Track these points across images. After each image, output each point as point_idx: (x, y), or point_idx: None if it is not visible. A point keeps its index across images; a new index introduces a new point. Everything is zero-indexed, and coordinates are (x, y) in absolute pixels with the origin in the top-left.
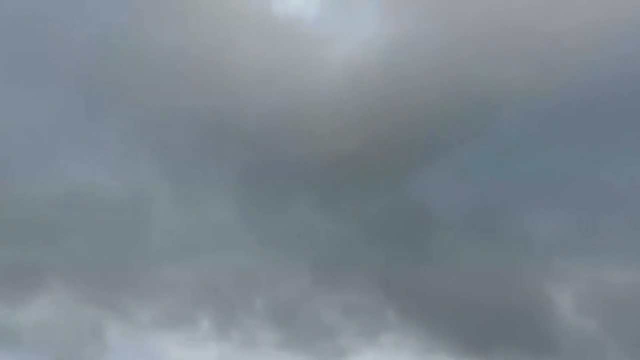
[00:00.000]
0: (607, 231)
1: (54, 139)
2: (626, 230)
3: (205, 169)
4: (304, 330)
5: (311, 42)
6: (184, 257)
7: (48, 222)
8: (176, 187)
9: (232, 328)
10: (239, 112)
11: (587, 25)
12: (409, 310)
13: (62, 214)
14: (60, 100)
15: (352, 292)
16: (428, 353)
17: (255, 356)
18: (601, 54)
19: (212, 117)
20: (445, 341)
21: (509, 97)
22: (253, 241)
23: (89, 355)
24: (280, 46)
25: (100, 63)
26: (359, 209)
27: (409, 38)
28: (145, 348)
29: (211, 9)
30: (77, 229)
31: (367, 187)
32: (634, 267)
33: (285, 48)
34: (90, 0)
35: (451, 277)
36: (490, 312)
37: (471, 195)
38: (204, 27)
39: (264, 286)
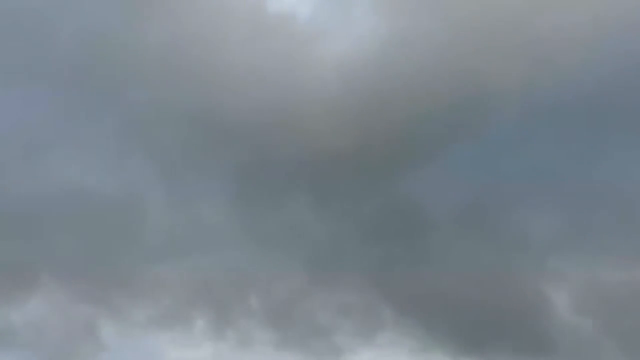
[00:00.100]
0: (603, 230)
1: (47, 137)
2: (621, 229)
3: (200, 167)
4: (299, 330)
5: (304, 39)
6: (179, 257)
7: (42, 221)
8: (170, 186)
9: (228, 327)
10: (232, 110)
11: (582, 24)
12: (406, 309)
13: (55, 213)
14: (53, 99)
15: (348, 292)
16: (424, 352)
17: (251, 356)
18: (596, 52)
19: (205, 116)
20: (442, 340)
21: (504, 95)
22: (248, 240)
23: (83, 355)
24: (274, 43)
25: (93, 62)
26: (355, 208)
27: (403, 35)
28: (141, 348)
29: (205, 7)
30: (71, 228)
31: (362, 185)
32: (630, 266)
33: (278, 45)
34: None
35: (447, 276)
36: (486, 311)
37: (466, 194)
38: (198, 24)
39: (260, 285)
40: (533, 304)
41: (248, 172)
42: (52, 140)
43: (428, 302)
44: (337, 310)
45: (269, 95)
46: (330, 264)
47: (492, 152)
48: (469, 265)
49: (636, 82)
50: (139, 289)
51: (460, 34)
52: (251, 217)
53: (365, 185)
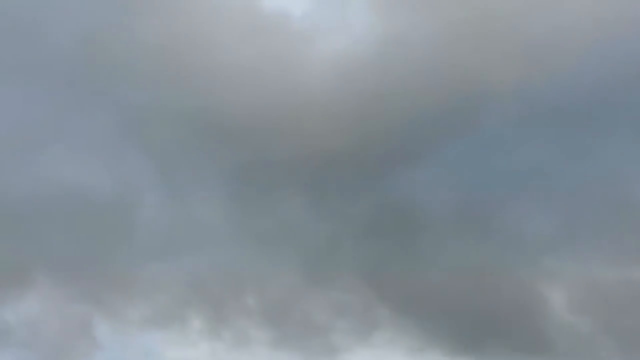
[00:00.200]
0: (598, 229)
1: (42, 137)
2: (616, 227)
3: (195, 167)
4: (296, 329)
5: (299, 38)
6: (175, 256)
7: (37, 220)
8: (166, 185)
9: (224, 327)
10: (227, 109)
11: (577, 25)
12: (402, 308)
13: (51, 212)
14: (49, 99)
15: (345, 291)
16: (420, 351)
17: (247, 355)
18: (589, 53)
19: (201, 115)
20: (438, 339)
21: (499, 94)
22: (245, 240)
23: (78, 354)
24: (269, 42)
25: (89, 61)
26: (351, 207)
27: (399, 34)
28: (135, 347)
29: (200, 6)
30: (67, 227)
31: (358, 184)
32: (625, 264)
33: (274, 44)
34: None
35: (444, 276)
36: (482, 310)
37: (463, 193)
38: (193, 24)
39: (256, 285)
40: (529, 302)
41: (244, 171)
42: (48, 140)
43: (424, 301)
44: (334, 309)
45: (264, 94)
46: (326, 264)
47: (488, 151)
48: (465, 265)
49: (630, 82)
50: (134, 287)
51: (456, 34)
52: (247, 217)
53: (361, 184)
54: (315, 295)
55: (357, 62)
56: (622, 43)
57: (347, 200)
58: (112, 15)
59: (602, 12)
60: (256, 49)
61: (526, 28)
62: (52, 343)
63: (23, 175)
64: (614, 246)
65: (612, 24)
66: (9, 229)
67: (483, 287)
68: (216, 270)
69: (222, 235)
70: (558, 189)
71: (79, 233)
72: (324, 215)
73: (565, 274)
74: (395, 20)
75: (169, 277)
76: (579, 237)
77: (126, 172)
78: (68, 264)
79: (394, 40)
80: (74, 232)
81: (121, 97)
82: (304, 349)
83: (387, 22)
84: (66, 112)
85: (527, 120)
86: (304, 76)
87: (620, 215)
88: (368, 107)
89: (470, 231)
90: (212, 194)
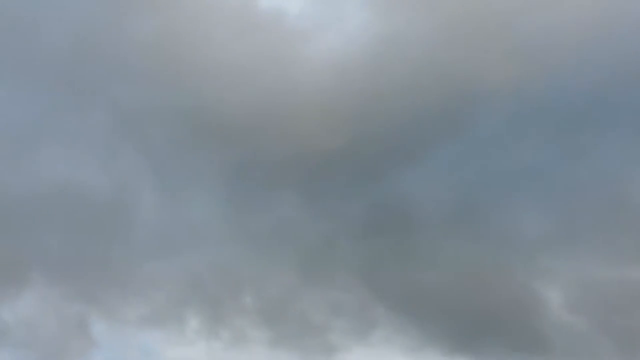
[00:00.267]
0: (593, 228)
1: (36, 135)
2: (612, 226)
3: (191, 166)
4: (293, 328)
5: (295, 37)
6: (171, 255)
7: (33, 219)
8: (162, 184)
9: (221, 326)
10: (222, 107)
11: (572, 24)
12: (399, 307)
13: (46, 211)
14: (42, 97)
15: (342, 290)
16: (418, 350)
17: (245, 354)
18: (585, 52)
19: (196, 113)
20: (435, 338)
21: (496, 93)
22: (242, 239)
23: (75, 352)
24: (264, 41)
25: (82, 60)
26: (347, 206)
27: (395, 33)
28: (133, 345)
29: (194, 3)
30: (63, 226)
31: (354, 184)
32: (621, 263)
33: (269, 42)
34: None
35: (441, 275)
36: (479, 309)
37: (459, 192)
38: (187, 22)
39: (253, 284)
40: (526, 302)
41: (241, 170)
42: (44, 139)
43: (421, 301)
44: (331, 308)
45: (259, 92)
46: (324, 263)
47: (484, 151)
48: (463, 264)
49: (626, 81)
50: (131, 286)
51: (452, 33)
52: (244, 216)
53: (357, 183)
54: (313, 294)
55: (353, 61)
56: (621, 43)
57: (344, 200)
58: (107, 14)
59: (600, 11)
60: (252, 47)
61: (524, 27)
62: (49, 342)
63: (19, 175)
64: (610, 245)
65: (611, 23)
66: (5, 228)
67: (480, 286)
68: (213, 269)
69: (219, 235)
70: (555, 189)
71: (75, 232)
72: (321, 215)
73: (562, 273)
74: (392, 18)
75: (166, 276)
76: (576, 237)
77: (123, 171)
78: (65, 263)
79: (390, 39)
80: (71, 231)
81: (117, 96)
82: (301, 348)
83: (383, 21)
84: (63, 111)
85: (523, 120)
86: (300, 75)
87: (617, 214)
88: (364, 106)
89: (467, 230)
90: (209, 193)
